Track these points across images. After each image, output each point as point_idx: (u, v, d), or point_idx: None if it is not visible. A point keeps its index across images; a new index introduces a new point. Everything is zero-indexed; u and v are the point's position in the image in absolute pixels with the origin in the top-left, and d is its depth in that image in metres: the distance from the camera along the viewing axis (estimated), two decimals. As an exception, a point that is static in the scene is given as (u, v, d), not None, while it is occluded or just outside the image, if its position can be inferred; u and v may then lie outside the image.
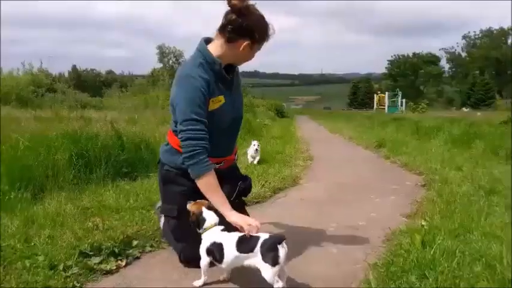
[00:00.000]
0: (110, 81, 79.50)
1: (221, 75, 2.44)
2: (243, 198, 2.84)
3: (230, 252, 2.16)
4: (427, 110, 27.43)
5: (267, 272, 2.05)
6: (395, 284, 2.16)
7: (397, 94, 38.93)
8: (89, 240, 2.67)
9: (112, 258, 2.59)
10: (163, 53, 79.08)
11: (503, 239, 2.65)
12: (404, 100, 38.50)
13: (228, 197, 2.41)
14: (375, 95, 45.70)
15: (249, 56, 2.52)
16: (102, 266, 2.48)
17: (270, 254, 2.05)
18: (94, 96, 32.14)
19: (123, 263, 2.60)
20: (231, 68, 2.54)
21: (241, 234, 2.19)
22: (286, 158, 7.24)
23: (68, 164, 4.41)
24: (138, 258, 2.72)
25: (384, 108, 36.09)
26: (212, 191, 2.31)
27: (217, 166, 2.42)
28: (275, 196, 4.62)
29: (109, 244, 2.69)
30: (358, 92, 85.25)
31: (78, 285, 2.26)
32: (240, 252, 2.13)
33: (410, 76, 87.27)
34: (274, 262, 2.04)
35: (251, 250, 2.10)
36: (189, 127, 2.27)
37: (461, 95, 75.80)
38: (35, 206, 3.53)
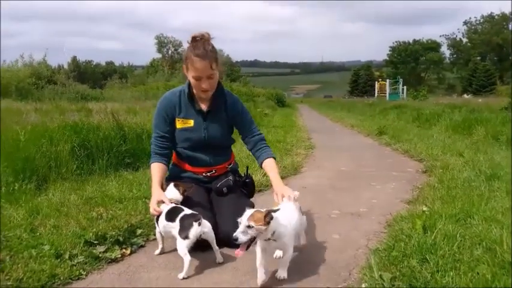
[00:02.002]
0: (109, 72, 79.32)
1: (189, 102, 2.83)
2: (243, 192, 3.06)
3: (162, 220, 2.49)
4: (428, 97, 27.31)
5: (179, 243, 2.32)
6: (397, 269, 2.18)
7: (398, 81, 38.76)
8: (94, 230, 2.70)
9: (117, 247, 2.62)
10: (161, 43, 78.75)
11: (503, 223, 2.67)
12: (405, 87, 38.35)
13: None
14: (376, 83, 45.53)
15: (191, 79, 2.72)
16: (107, 255, 2.51)
17: (184, 227, 2.33)
18: (94, 87, 32.04)
19: (128, 252, 2.63)
20: (217, 101, 2.86)
21: (175, 206, 2.52)
22: (287, 147, 7.26)
23: (70, 155, 4.44)
24: (142, 246, 2.76)
25: (385, 96, 35.97)
26: (152, 175, 2.77)
27: (208, 174, 2.93)
28: (277, 184, 4.63)
29: (113, 233, 2.72)
30: (359, 80, 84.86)
31: (84, 273, 2.29)
32: (167, 221, 2.44)
33: (411, 63, 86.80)
34: (185, 236, 2.30)
35: (173, 220, 2.39)
36: (152, 135, 2.89)
37: (462, 81, 75.47)
38: (39, 197, 3.57)
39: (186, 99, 2.84)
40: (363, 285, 2.09)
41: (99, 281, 2.26)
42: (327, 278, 2.26)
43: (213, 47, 2.69)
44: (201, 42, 2.66)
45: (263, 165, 2.88)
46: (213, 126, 2.87)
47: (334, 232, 3.03)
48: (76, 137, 4.70)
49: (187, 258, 2.27)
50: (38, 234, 2.68)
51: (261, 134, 3.01)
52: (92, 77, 73.03)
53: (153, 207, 2.56)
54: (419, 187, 4.29)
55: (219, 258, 2.47)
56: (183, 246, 2.30)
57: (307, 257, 2.55)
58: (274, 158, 2.90)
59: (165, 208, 2.52)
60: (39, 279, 2.12)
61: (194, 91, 2.83)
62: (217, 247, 2.45)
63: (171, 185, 2.70)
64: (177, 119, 2.85)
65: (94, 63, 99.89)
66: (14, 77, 17.63)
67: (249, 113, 3.05)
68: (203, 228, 2.36)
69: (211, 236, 2.44)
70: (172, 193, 2.65)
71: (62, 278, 2.18)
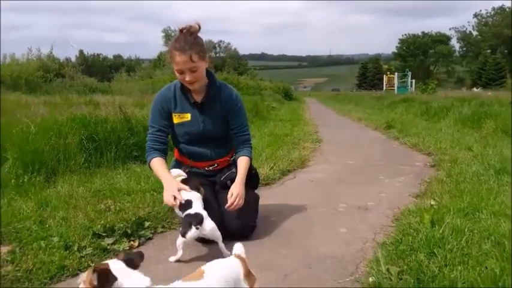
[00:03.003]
0: (117, 65, 79.55)
1: (183, 96, 2.81)
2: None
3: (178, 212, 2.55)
4: (436, 90, 27.01)
5: (178, 238, 2.39)
6: (404, 262, 2.18)
7: (406, 74, 38.38)
8: (102, 222, 2.72)
9: (125, 239, 2.65)
10: (168, 37, 78.68)
11: (512, 218, 2.65)
12: (414, 81, 37.98)
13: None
14: (384, 76, 45.14)
15: (176, 72, 2.69)
16: (115, 247, 2.53)
17: (184, 225, 2.38)
18: (102, 80, 32.15)
19: (136, 244, 2.65)
20: (210, 93, 2.83)
21: (186, 200, 2.50)
22: (294, 140, 7.24)
23: (78, 148, 4.47)
24: (150, 238, 2.78)
25: (394, 89, 35.68)
26: (155, 170, 2.74)
27: (211, 168, 2.93)
28: (284, 178, 4.64)
29: (121, 225, 2.73)
30: (367, 73, 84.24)
31: (92, 265, 2.30)
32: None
33: (420, 56, 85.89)
34: (182, 233, 2.36)
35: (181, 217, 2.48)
36: (148, 132, 2.85)
37: (471, 74, 74.56)
38: (48, 189, 3.60)
39: (180, 93, 2.81)
40: (370, 279, 2.08)
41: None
42: (334, 272, 2.27)
43: (196, 38, 2.62)
44: (183, 35, 2.62)
45: (237, 161, 2.85)
46: (209, 119, 2.84)
47: (341, 226, 3.03)
48: (84, 130, 4.72)
49: (179, 252, 2.37)
50: (47, 226, 2.71)
51: (248, 134, 2.94)
52: (99, 70, 73.24)
53: (174, 194, 2.49)
54: (428, 181, 4.26)
55: (225, 254, 2.42)
56: (179, 241, 2.38)
57: (314, 251, 2.55)
58: (250, 158, 2.86)
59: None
60: (49, 271, 2.15)
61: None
62: (222, 244, 2.43)
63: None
64: (173, 114, 2.83)
65: (102, 57, 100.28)
66: (23, 70, 17.74)
67: (243, 107, 2.96)
68: (202, 231, 2.36)
69: (214, 236, 2.42)
70: (177, 171, 2.76)
71: (70, 270, 2.21)
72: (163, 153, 2.79)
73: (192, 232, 2.34)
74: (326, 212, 3.40)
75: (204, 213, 2.42)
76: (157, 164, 2.72)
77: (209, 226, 2.40)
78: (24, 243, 2.41)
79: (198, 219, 2.36)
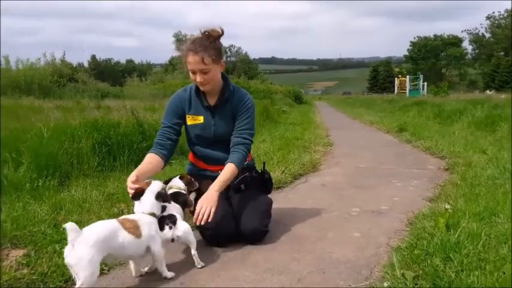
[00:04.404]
0: (129, 70, 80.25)
1: (197, 98, 2.82)
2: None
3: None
4: (449, 93, 26.72)
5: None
6: (419, 267, 2.15)
7: (418, 77, 38.07)
8: (115, 226, 2.73)
9: (138, 243, 2.64)
10: (179, 41, 79.18)
11: (530, 222, 2.60)
12: (425, 83, 37.68)
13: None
14: (396, 79, 44.76)
15: (189, 73, 2.70)
16: (128, 250, 2.53)
17: (160, 226, 2.27)
18: (114, 85, 32.48)
19: (149, 247, 2.65)
20: (223, 97, 2.82)
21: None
22: (305, 144, 7.22)
23: (91, 152, 4.51)
24: (163, 242, 2.77)
25: (405, 92, 35.43)
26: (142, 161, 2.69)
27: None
28: (295, 182, 4.63)
29: (134, 229, 2.74)
30: (378, 76, 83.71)
31: (106, 268, 2.32)
32: None
33: (432, 59, 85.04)
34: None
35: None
36: (159, 131, 2.84)
37: (484, 77, 73.53)
38: (62, 193, 3.63)
39: (194, 95, 2.83)
40: (385, 284, 2.06)
41: (121, 276, 2.28)
42: (348, 276, 2.24)
43: (212, 42, 2.62)
44: (201, 37, 2.63)
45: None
46: (221, 122, 2.83)
47: (354, 230, 3.00)
48: (97, 134, 4.76)
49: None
50: (61, 229, 2.72)
51: (247, 139, 2.83)
52: (111, 74, 74.01)
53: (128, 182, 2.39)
54: (442, 185, 4.21)
55: (198, 263, 2.35)
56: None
57: (327, 256, 2.53)
58: (236, 165, 2.71)
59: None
60: (63, 274, 2.16)
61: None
62: (195, 251, 2.34)
63: (177, 177, 2.67)
64: (187, 116, 2.84)
65: (113, 62, 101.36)
66: (36, 75, 17.99)
67: (251, 112, 2.88)
68: (176, 232, 2.29)
69: (187, 240, 2.32)
70: (176, 181, 2.63)
71: (85, 273, 2.21)
72: (165, 149, 2.72)
73: (165, 232, 2.25)
74: (339, 216, 3.37)
75: (178, 216, 2.35)
76: (146, 158, 2.70)
77: (184, 227, 2.32)
78: (39, 247, 2.44)
79: (171, 220, 2.29)
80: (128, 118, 5.63)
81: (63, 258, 2.26)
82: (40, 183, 3.69)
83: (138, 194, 2.27)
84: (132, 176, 2.40)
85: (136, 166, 4.69)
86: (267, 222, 2.84)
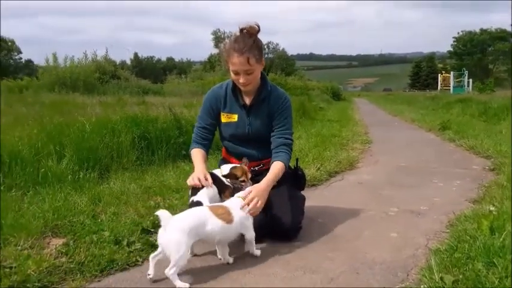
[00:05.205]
0: (169, 67, 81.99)
1: (233, 96, 2.81)
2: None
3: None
4: (495, 90, 25.45)
5: None
6: (460, 271, 2.04)
7: (463, 73, 36.58)
8: (151, 218, 2.79)
9: (172, 236, 2.68)
10: (218, 39, 79.89)
11: None
12: (471, 80, 36.15)
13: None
14: (439, 75, 43.18)
15: (231, 73, 2.68)
16: (162, 243, 2.58)
17: None
18: (155, 82, 33.19)
19: (182, 240, 2.68)
20: (260, 96, 2.80)
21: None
22: (342, 141, 7.09)
23: (131, 146, 4.63)
24: (197, 235, 2.79)
25: (449, 89, 34.14)
26: (192, 158, 2.79)
27: (257, 168, 2.85)
28: (331, 179, 4.55)
29: (169, 222, 2.78)
30: (421, 72, 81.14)
31: (140, 260, 2.36)
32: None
33: (478, 54, 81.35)
34: None
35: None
36: (195, 125, 2.92)
37: (535, 73, 69.68)
38: (101, 185, 3.75)
39: (230, 93, 2.81)
40: (422, 287, 1.98)
41: (154, 268, 2.31)
42: (383, 278, 2.17)
43: (255, 41, 2.61)
44: (242, 36, 2.61)
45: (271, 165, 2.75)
46: (256, 121, 2.82)
47: (391, 230, 2.91)
48: (136, 129, 4.89)
49: None
50: (99, 220, 2.81)
51: (289, 139, 2.82)
52: (153, 72, 75.75)
53: (198, 176, 2.52)
54: (486, 185, 4.01)
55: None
56: None
57: (362, 256, 2.47)
58: (285, 165, 2.72)
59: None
60: (99, 264, 2.22)
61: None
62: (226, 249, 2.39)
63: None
64: (222, 113, 2.85)
65: (155, 59, 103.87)
66: (81, 72, 18.67)
67: (289, 111, 2.87)
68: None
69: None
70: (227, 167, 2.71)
71: (119, 264, 2.27)
72: (205, 147, 2.83)
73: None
74: (375, 215, 3.28)
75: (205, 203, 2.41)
76: (195, 153, 2.79)
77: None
78: (77, 237, 2.52)
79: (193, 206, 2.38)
80: (166, 114, 5.74)
81: (99, 248, 2.35)
82: (81, 176, 3.83)
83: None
84: (204, 173, 2.57)
85: (174, 160, 4.87)
86: (300, 219, 2.80)
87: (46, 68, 19.60)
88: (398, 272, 2.24)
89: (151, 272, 2.13)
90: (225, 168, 2.69)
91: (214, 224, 2.19)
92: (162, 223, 2.09)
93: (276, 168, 2.67)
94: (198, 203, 2.42)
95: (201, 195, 2.48)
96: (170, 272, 2.02)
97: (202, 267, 2.33)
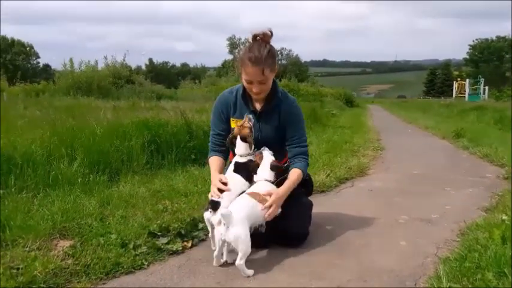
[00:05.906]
0: (184, 73, 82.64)
1: (243, 102, 2.80)
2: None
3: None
4: (512, 98, 25.09)
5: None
6: (469, 281, 2.00)
7: (479, 81, 36.09)
8: (158, 222, 2.80)
9: (178, 239, 2.69)
10: (233, 45, 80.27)
11: None
12: (487, 87, 35.66)
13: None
14: (454, 82, 42.70)
15: (244, 81, 2.68)
16: (169, 246, 2.58)
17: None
18: (169, 87, 33.46)
19: (189, 244, 2.69)
20: (271, 104, 2.79)
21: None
22: (354, 148, 7.02)
23: (141, 150, 4.65)
24: (203, 240, 2.79)
25: (464, 96, 33.72)
26: (210, 166, 2.83)
27: None
28: (340, 186, 4.51)
29: (176, 225, 2.79)
30: (436, 80, 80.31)
31: (146, 263, 2.37)
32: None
33: (495, 61, 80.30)
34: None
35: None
36: (210, 135, 2.95)
37: (554, 81, 68.40)
38: (111, 188, 3.76)
39: (240, 98, 2.81)
40: (430, 297, 1.94)
41: (159, 271, 2.32)
42: (390, 286, 2.13)
43: (269, 50, 2.60)
44: (257, 44, 2.60)
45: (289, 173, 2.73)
46: (266, 128, 2.80)
47: (401, 238, 2.86)
48: (147, 133, 4.91)
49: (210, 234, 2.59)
50: (107, 223, 2.82)
51: (305, 146, 2.83)
52: (167, 77, 76.37)
53: (215, 188, 2.53)
54: (500, 194, 3.94)
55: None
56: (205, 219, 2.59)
57: (370, 264, 2.43)
58: (303, 172, 2.72)
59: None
60: (105, 266, 2.22)
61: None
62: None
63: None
64: (231, 119, 2.84)
65: (169, 65, 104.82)
66: (96, 76, 18.88)
67: (301, 119, 2.87)
68: (216, 216, 2.44)
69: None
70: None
71: (125, 267, 2.27)
72: (222, 154, 2.86)
73: (206, 214, 2.49)
74: (385, 223, 3.24)
75: (224, 204, 2.43)
76: (211, 162, 2.83)
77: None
78: (84, 239, 2.53)
79: (212, 204, 2.46)
80: (177, 118, 5.76)
81: (106, 251, 2.35)
82: (91, 179, 3.85)
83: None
84: (219, 179, 2.59)
85: (183, 164, 4.87)
86: (307, 225, 2.78)
87: (63, 72, 19.89)
88: (407, 280, 2.20)
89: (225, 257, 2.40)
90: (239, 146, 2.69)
91: (259, 210, 2.42)
92: (225, 221, 2.26)
93: (294, 175, 2.67)
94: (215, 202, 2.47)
95: (224, 201, 2.47)
96: (241, 262, 2.22)
97: (206, 271, 2.32)
